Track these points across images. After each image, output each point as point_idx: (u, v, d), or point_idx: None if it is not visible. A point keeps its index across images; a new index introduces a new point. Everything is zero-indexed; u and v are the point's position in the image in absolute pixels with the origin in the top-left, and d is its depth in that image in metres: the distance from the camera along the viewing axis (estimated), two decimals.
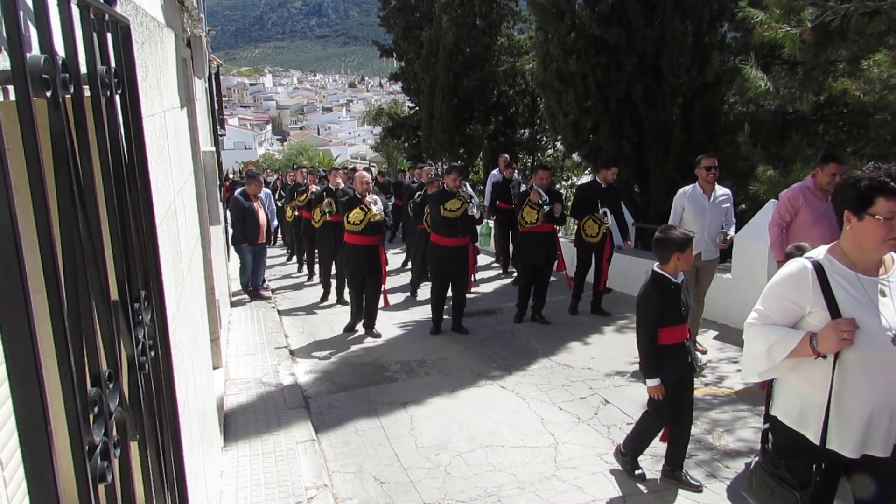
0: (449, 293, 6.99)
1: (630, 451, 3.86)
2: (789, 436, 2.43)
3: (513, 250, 9.26)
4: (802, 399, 2.38)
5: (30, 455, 0.78)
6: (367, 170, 13.78)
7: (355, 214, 6.50)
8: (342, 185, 8.41)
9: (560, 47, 9.48)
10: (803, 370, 2.36)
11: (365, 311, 6.95)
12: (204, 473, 2.96)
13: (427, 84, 16.69)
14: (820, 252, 2.38)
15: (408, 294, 8.83)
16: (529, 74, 15.04)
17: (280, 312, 8.24)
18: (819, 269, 2.30)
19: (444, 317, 6.95)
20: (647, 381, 3.59)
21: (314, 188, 9.26)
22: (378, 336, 6.84)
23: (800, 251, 3.07)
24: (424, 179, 9.48)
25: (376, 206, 6.52)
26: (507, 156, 9.73)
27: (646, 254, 8.51)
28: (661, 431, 3.79)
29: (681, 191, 5.85)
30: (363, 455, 4.32)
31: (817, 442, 2.31)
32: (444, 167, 10.75)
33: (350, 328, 7.10)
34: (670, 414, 3.67)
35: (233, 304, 8.46)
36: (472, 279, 8.11)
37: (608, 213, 7.07)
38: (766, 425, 2.58)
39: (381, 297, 6.97)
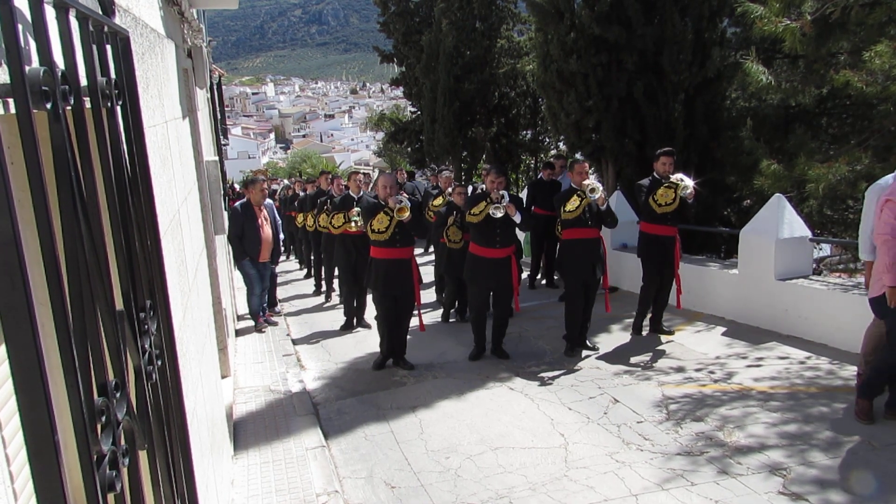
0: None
1: None
2: None
3: (546, 262, 8.68)
4: None
5: (38, 466, 0.78)
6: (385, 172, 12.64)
7: (379, 220, 5.65)
8: (363, 192, 7.40)
9: (560, 47, 9.49)
10: None
11: (396, 339, 6.04)
12: (214, 482, 2.96)
13: (428, 88, 16.71)
14: None
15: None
16: (530, 76, 15.05)
17: (287, 319, 8.25)
18: None
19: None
20: None
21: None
22: (412, 368, 5.94)
23: None
24: (444, 186, 8.56)
25: (401, 205, 5.58)
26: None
27: None
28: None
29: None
30: (373, 460, 4.32)
31: None
32: (448, 169, 10.16)
33: (380, 365, 6.05)
34: None
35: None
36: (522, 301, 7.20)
37: (684, 178, 6.11)
38: None
39: (417, 319, 6.15)
